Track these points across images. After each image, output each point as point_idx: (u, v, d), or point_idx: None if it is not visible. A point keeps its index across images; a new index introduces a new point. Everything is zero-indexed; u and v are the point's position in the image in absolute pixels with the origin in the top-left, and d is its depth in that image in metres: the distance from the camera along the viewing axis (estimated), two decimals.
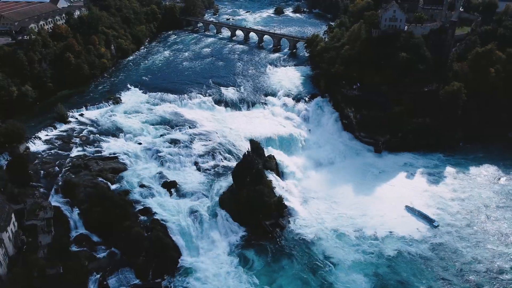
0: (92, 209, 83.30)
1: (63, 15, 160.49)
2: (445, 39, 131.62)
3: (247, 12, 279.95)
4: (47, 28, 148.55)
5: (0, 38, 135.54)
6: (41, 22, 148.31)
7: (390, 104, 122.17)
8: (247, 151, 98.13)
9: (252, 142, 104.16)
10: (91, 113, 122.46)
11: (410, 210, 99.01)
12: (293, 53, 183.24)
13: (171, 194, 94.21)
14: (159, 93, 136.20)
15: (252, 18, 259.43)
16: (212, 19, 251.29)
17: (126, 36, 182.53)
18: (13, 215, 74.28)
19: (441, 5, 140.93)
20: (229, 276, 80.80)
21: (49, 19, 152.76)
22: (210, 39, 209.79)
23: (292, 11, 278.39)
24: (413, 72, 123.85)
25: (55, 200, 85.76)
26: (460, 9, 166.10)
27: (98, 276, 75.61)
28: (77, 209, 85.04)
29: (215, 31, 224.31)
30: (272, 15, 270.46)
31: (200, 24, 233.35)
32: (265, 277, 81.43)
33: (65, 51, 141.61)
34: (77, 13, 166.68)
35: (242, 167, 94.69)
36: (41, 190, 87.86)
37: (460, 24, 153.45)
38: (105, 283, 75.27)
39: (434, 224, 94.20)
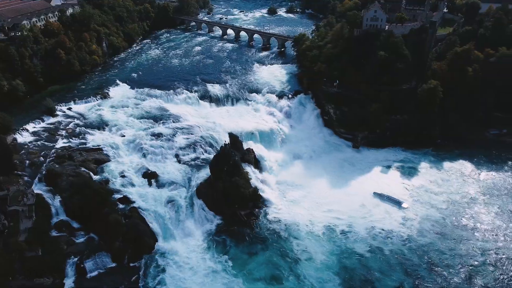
0: (74, 197, 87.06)
1: (56, 12, 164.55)
2: (425, 39, 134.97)
3: (241, 12, 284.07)
4: (39, 25, 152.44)
5: None
6: (34, 19, 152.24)
7: (370, 101, 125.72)
8: (224, 144, 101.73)
9: (231, 135, 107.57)
10: (78, 107, 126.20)
11: (378, 195, 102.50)
12: (282, 52, 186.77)
13: (150, 184, 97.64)
14: (147, 89, 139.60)
15: (246, 18, 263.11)
16: (205, 18, 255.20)
17: (118, 34, 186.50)
18: None
19: (424, 5, 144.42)
20: (203, 261, 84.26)
21: (42, 16, 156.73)
22: (202, 38, 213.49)
23: (285, 11, 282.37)
24: (392, 70, 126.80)
25: (38, 188, 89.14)
26: (445, 10, 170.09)
27: (76, 259, 79.41)
28: (59, 196, 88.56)
29: (207, 30, 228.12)
30: (265, 15, 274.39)
31: (193, 23, 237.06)
32: (237, 263, 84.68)
33: (56, 47, 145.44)
34: (70, 10, 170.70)
35: (219, 158, 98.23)
36: (25, 178, 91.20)
37: (444, 25, 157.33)
38: (82, 265, 79.02)
39: (402, 205, 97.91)
